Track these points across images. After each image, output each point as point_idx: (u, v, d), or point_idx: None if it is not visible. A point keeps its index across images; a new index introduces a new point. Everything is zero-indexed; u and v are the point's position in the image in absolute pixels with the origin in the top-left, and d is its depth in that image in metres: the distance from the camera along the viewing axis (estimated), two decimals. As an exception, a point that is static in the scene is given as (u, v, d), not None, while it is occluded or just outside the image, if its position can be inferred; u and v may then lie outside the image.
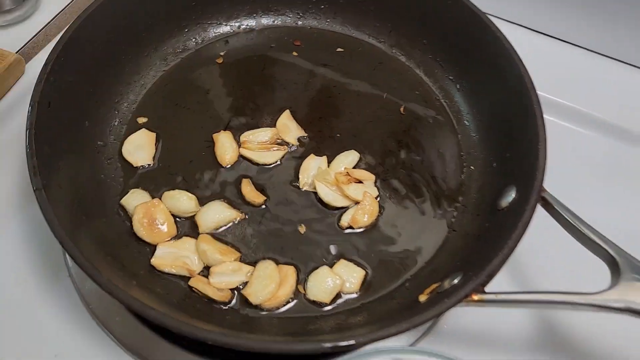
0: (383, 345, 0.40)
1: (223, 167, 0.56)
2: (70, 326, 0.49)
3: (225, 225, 0.52)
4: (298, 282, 0.48)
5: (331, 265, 0.49)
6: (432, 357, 0.39)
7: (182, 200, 0.52)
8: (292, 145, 0.57)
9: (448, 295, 0.41)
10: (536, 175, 0.45)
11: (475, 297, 0.41)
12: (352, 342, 0.38)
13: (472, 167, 0.55)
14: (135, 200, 0.52)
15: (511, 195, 0.47)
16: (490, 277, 0.41)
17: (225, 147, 0.56)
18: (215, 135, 0.57)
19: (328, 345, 0.38)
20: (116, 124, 0.58)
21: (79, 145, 0.53)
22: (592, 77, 0.67)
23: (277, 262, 0.49)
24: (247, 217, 0.52)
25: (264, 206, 0.53)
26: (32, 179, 0.45)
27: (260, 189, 0.54)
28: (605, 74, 0.68)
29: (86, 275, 0.50)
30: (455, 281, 0.43)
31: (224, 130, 0.58)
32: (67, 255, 0.52)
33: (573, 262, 0.44)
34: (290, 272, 0.48)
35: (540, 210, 0.45)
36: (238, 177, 0.55)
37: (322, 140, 0.57)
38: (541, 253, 0.50)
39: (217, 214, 0.51)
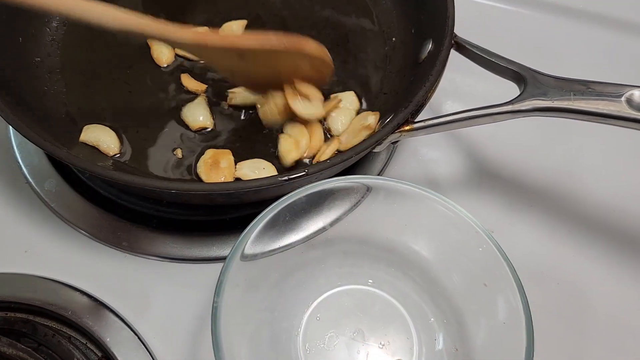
0: (349, 176, 0.43)
1: (162, 67, 0.56)
2: (35, 225, 0.49)
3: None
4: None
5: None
6: (388, 181, 0.44)
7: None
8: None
9: (384, 127, 0.44)
10: (447, 22, 0.49)
11: (407, 127, 0.44)
12: (303, 172, 0.41)
13: (394, 39, 0.58)
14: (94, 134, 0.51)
15: (428, 47, 0.51)
16: (418, 107, 0.45)
17: (161, 48, 0.57)
18: (149, 40, 0.57)
19: (283, 178, 0.41)
20: (49, 40, 0.57)
21: (17, 61, 0.53)
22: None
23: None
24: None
25: (204, 94, 0.54)
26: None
27: (200, 80, 0.55)
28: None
29: (42, 180, 0.51)
30: (387, 120, 0.47)
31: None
32: (22, 165, 0.52)
33: (485, 94, 0.48)
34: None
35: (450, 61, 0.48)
36: (178, 73, 0.56)
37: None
38: (457, 97, 0.54)
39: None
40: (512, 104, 0.43)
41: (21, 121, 0.43)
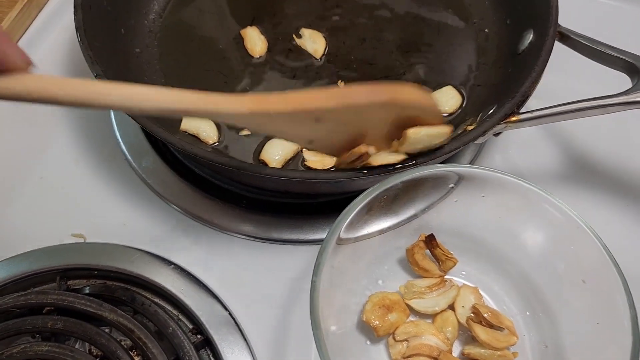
0: (445, 164, 0.41)
1: (254, 58, 0.55)
2: (133, 199, 0.49)
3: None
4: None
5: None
6: (483, 170, 0.41)
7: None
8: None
9: (489, 117, 0.41)
10: (551, 12, 0.45)
11: (513, 118, 0.41)
12: (413, 162, 0.39)
13: (486, 30, 0.55)
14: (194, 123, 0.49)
15: (529, 37, 0.48)
16: (524, 97, 0.41)
17: (255, 39, 0.56)
18: (243, 31, 0.57)
19: (395, 166, 0.38)
20: (147, 32, 0.57)
21: (119, 50, 0.53)
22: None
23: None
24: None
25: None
26: (91, 68, 0.44)
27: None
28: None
29: (140, 157, 0.51)
30: (490, 112, 0.44)
31: (250, 26, 0.57)
32: (122, 143, 0.52)
33: (592, 86, 0.44)
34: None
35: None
36: (270, 64, 0.55)
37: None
38: (561, 89, 0.50)
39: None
40: (627, 94, 0.39)
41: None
